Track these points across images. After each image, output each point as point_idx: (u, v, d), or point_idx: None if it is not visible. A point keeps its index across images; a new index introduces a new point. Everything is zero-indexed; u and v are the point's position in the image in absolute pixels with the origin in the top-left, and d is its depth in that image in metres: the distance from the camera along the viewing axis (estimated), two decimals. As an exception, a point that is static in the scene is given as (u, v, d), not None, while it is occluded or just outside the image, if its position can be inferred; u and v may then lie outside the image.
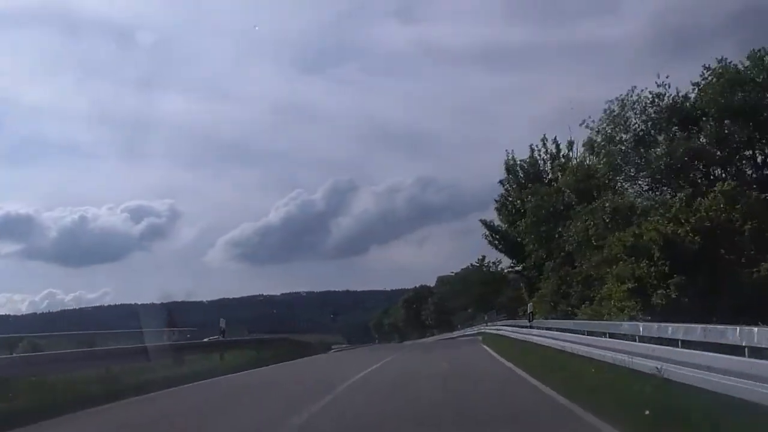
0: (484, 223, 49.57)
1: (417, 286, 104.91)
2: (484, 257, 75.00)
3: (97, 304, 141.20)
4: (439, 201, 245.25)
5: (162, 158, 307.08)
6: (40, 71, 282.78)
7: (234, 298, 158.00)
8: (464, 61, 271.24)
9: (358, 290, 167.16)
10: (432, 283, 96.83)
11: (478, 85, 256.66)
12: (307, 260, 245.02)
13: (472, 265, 76.78)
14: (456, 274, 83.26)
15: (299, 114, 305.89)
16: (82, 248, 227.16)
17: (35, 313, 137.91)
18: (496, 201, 45.14)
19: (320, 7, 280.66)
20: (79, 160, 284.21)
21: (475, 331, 52.79)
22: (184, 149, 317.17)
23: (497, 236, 48.32)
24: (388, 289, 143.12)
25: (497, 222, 46.87)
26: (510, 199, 43.00)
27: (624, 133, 25.31)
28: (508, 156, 43.52)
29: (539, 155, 42.17)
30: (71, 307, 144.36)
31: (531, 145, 42.67)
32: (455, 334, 66.00)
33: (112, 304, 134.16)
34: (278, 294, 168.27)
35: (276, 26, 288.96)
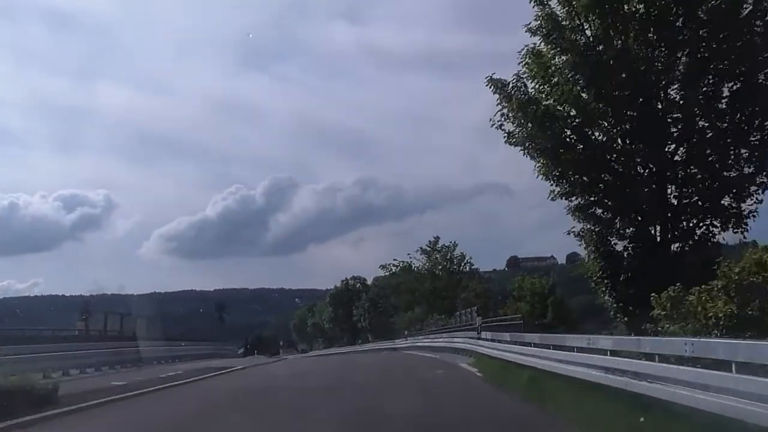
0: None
1: (349, 277, 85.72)
2: (437, 238, 60.97)
3: (26, 294, 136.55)
4: (379, 202, 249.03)
5: (99, 149, 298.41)
6: None
7: (167, 293, 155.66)
8: (408, 66, 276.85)
9: (294, 288, 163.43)
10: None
11: (421, 89, 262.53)
12: (243, 256, 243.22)
13: (421, 249, 61.24)
14: (401, 263, 62.99)
15: (239, 110, 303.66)
16: (12, 235, 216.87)
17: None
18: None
19: (265, 3, 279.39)
20: (12, 147, 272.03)
21: (428, 344, 39.40)
22: (122, 141, 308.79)
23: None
24: (324, 288, 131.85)
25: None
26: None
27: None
28: None
29: None
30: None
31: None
32: (399, 343, 50.72)
33: (41, 294, 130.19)
34: (211, 290, 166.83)
35: (219, 21, 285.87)
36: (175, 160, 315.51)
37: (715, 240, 17.55)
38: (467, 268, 59.67)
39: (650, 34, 17.18)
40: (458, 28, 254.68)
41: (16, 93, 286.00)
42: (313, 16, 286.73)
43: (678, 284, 12.17)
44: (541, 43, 18.28)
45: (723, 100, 17.23)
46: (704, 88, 17.15)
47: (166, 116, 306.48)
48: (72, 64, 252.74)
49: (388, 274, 65.13)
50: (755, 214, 17.28)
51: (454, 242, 60.74)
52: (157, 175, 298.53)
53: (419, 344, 42.65)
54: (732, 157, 17.22)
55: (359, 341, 71.10)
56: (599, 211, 18.74)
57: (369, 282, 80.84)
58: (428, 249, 60.43)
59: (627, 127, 18.05)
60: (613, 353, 10.50)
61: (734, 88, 17.04)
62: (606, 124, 18.39)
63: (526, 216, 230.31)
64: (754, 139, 17.02)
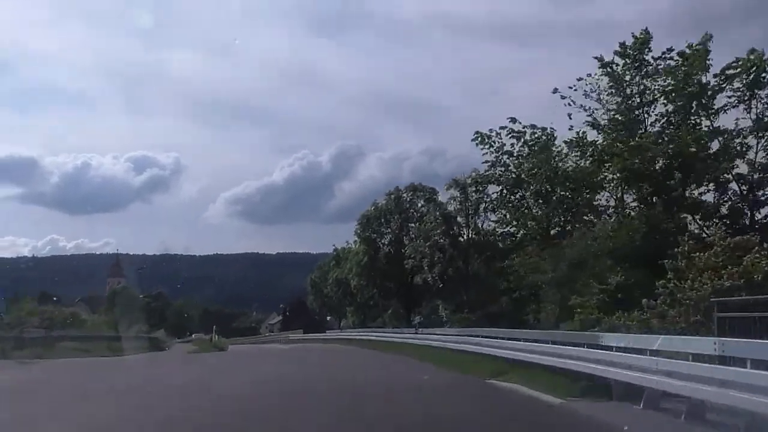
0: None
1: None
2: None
3: (99, 253, 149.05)
4: (445, 172, 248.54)
5: (169, 112, 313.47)
6: (49, 20, 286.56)
7: (228, 254, 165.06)
8: (477, 34, 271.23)
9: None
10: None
11: (489, 58, 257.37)
12: (307, 221, 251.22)
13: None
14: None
15: (308, 76, 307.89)
16: (83, 195, 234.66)
17: (35, 257, 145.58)
18: None
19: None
20: (85, 109, 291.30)
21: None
22: (192, 105, 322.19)
23: None
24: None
25: None
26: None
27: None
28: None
29: None
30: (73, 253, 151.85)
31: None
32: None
33: (111, 252, 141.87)
34: (273, 253, 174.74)
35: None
36: (243, 124, 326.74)
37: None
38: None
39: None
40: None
41: (90, 57, 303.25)
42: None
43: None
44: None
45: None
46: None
47: (236, 81, 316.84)
48: (143, 28, 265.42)
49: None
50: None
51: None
52: (225, 139, 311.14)
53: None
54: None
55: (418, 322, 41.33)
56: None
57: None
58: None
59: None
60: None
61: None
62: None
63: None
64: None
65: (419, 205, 44.62)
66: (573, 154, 28.98)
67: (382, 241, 46.51)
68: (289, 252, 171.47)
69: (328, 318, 75.67)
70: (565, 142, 29.25)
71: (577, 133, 28.32)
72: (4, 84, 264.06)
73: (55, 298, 49.04)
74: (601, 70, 27.08)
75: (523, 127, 30.59)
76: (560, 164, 29.13)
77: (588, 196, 28.61)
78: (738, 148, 24.78)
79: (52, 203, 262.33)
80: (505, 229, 33.35)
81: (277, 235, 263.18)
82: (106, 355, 32.20)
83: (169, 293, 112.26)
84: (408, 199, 45.18)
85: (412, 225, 43.53)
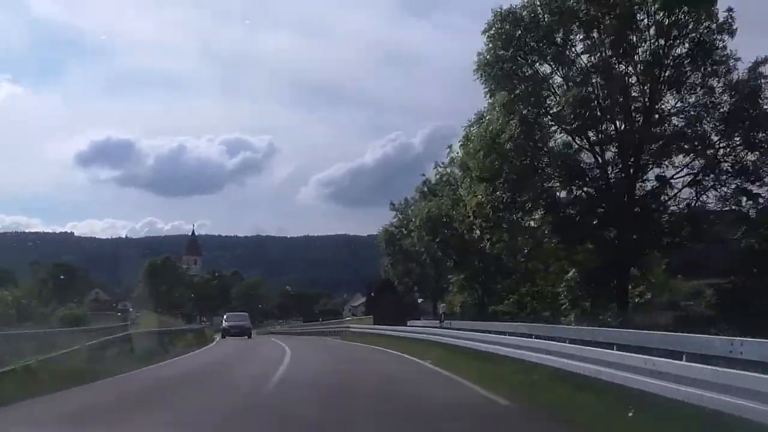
0: None
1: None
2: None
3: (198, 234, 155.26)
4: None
5: (262, 95, 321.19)
6: (144, 5, 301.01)
7: (319, 236, 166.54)
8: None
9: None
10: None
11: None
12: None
13: None
14: None
15: (401, 57, 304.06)
16: (179, 177, 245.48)
17: (131, 238, 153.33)
18: None
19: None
20: (180, 92, 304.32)
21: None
22: (284, 87, 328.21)
23: None
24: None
25: None
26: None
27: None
28: None
29: None
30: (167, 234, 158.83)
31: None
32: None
33: (206, 234, 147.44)
34: (365, 235, 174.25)
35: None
36: (335, 106, 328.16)
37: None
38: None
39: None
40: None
41: (184, 40, 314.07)
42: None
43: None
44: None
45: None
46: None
47: (328, 63, 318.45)
48: (237, 11, 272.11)
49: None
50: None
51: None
52: (317, 121, 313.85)
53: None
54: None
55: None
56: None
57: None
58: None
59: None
60: None
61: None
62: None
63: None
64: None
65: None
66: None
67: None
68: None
69: (420, 300, 59.43)
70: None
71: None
72: (103, 69, 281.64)
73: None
74: None
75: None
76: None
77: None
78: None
79: (148, 185, 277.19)
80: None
81: (368, 216, 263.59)
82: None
83: (262, 274, 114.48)
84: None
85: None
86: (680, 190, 21.61)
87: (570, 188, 22.45)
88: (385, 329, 33.46)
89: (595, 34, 21.20)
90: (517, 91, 21.52)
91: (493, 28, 21.58)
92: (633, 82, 21.38)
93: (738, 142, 20.60)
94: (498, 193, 21.82)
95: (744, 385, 6.78)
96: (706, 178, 21.08)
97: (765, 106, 20.15)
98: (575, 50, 21.67)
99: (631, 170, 21.53)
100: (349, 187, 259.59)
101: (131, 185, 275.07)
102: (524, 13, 21.46)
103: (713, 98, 20.65)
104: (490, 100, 22.22)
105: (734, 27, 20.29)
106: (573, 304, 23.84)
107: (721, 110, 20.56)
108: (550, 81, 22.07)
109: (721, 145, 20.85)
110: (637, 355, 9.69)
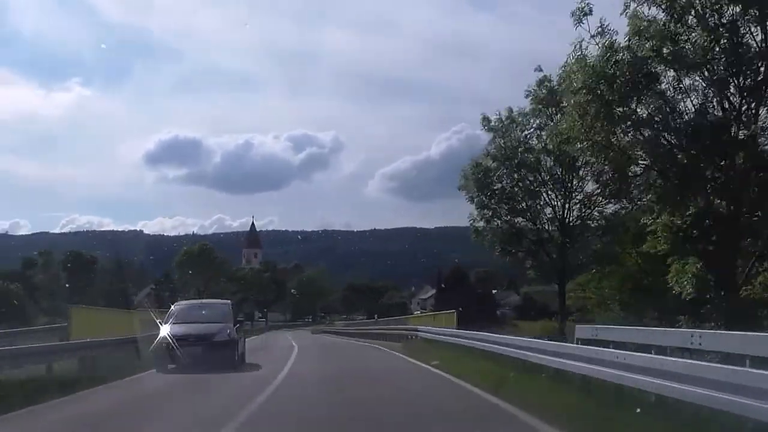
0: None
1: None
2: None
3: (261, 230, 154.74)
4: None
5: (327, 91, 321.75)
6: (210, 5, 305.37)
7: (386, 230, 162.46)
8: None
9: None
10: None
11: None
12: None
13: None
14: None
15: (465, 49, 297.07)
16: (246, 174, 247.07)
17: (199, 235, 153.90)
18: None
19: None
20: (247, 90, 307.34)
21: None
22: (349, 83, 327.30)
23: None
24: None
25: None
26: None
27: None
28: None
29: None
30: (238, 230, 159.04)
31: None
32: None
33: (274, 229, 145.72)
34: (431, 227, 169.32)
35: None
36: (400, 100, 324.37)
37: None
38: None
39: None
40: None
41: (250, 39, 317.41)
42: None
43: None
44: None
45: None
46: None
47: (392, 57, 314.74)
48: (300, 9, 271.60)
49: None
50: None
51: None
52: (382, 115, 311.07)
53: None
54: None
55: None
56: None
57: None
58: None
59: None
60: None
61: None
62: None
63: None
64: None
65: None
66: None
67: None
68: (449, 226, 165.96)
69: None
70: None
71: None
72: (170, 70, 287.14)
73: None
74: None
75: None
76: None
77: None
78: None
79: (215, 183, 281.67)
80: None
81: (435, 209, 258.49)
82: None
83: (329, 268, 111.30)
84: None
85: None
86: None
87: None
88: (502, 344, 14.92)
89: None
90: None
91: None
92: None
93: None
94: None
95: None
96: None
97: None
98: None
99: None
100: (415, 180, 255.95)
101: (200, 183, 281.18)
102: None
103: None
104: None
105: None
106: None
107: None
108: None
109: None
110: None
